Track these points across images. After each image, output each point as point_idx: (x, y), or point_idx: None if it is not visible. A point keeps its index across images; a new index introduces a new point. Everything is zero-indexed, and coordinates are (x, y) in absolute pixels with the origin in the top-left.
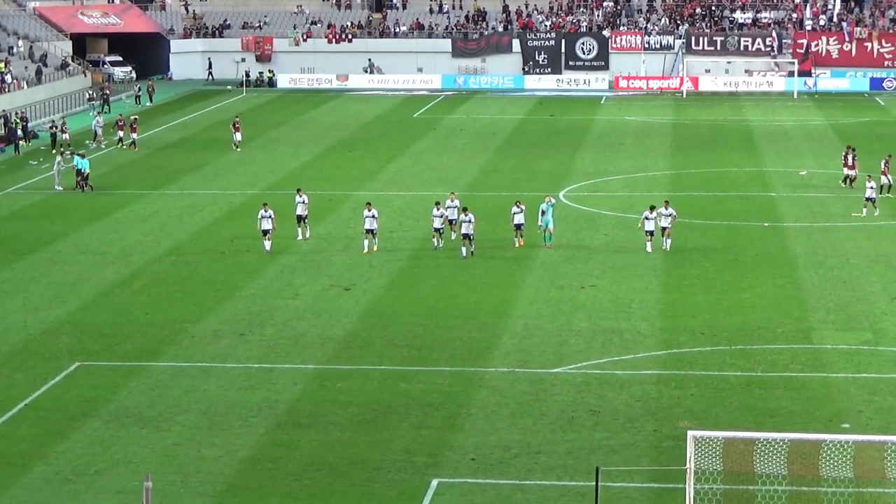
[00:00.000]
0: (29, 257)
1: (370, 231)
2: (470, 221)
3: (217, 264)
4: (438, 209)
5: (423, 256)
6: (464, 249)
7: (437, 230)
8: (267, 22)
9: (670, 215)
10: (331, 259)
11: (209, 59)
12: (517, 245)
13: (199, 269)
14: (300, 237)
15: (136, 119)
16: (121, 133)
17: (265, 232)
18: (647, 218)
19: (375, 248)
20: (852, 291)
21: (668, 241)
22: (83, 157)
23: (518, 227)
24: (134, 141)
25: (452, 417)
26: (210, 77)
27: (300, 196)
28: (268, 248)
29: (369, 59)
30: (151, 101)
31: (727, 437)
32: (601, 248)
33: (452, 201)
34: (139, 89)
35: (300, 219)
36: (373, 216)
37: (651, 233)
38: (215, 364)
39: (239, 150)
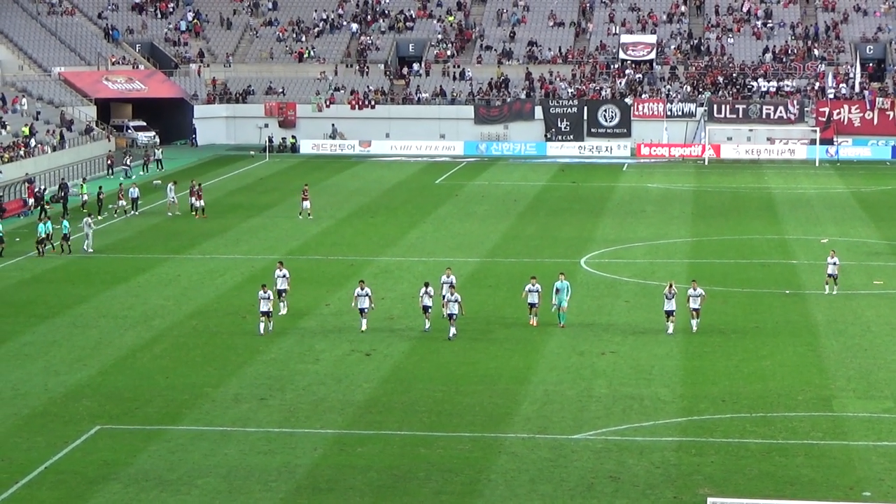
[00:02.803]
0: (50, 321)
1: (362, 311)
2: (457, 301)
3: (238, 328)
4: (428, 288)
5: (444, 322)
6: (450, 331)
7: (425, 308)
8: (283, 92)
9: (700, 296)
10: (352, 324)
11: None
12: (532, 323)
13: (220, 334)
14: (282, 311)
15: (200, 185)
16: (123, 202)
17: (280, 292)
18: (667, 297)
19: (363, 327)
20: (873, 359)
21: (697, 321)
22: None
23: (532, 305)
24: (202, 208)
25: (472, 483)
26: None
27: (280, 270)
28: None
29: (333, 125)
30: (161, 166)
31: None
32: (622, 315)
33: (448, 276)
34: (161, 153)
35: (280, 293)
36: (366, 295)
37: (671, 313)
38: (235, 428)
39: (310, 217)
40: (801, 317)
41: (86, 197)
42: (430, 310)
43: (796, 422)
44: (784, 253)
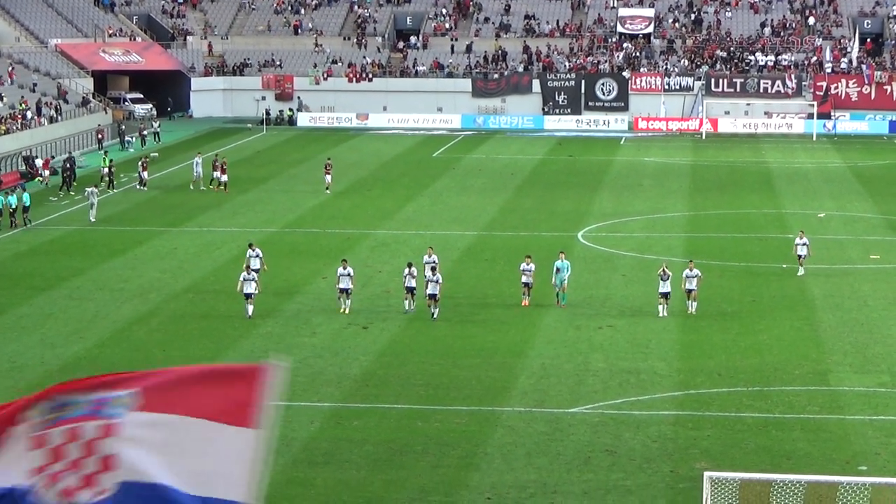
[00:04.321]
0: (47, 293)
1: (345, 290)
2: (437, 282)
3: (235, 302)
4: (411, 269)
5: (441, 295)
6: (432, 310)
7: (409, 290)
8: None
9: (696, 276)
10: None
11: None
12: (524, 304)
13: (217, 307)
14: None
15: (225, 161)
16: (144, 173)
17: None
18: (661, 278)
19: (347, 310)
20: (870, 334)
21: (695, 303)
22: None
23: (526, 285)
24: (226, 183)
25: (469, 457)
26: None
27: (253, 250)
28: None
29: (298, 97)
30: (144, 143)
31: (744, 479)
32: (619, 289)
33: (430, 256)
34: (159, 125)
35: (254, 272)
36: (348, 274)
37: (666, 295)
38: None
39: (328, 192)
40: (797, 291)
41: (105, 169)
42: (413, 291)
43: (793, 396)
44: (781, 227)
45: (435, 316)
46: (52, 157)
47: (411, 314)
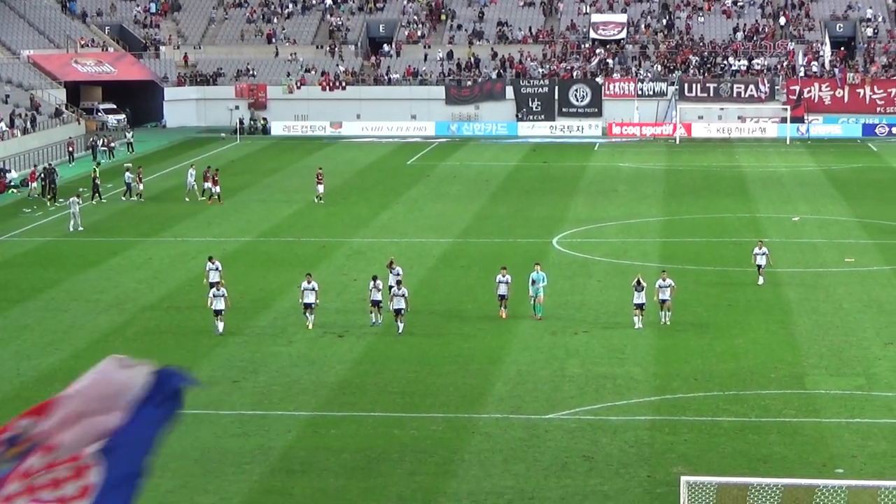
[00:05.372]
0: (22, 304)
1: (308, 306)
2: (404, 296)
3: (210, 311)
4: (376, 282)
5: (417, 302)
6: (398, 325)
7: (374, 303)
8: (253, 73)
9: (669, 286)
10: (324, 306)
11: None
12: (502, 316)
13: (193, 317)
14: (210, 305)
15: (217, 171)
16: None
17: (212, 285)
18: (635, 289)
19: (311, 325)
20: (845, 336)
21: (668, 314)
22: None
23: (502, 297)
24: (219, 194)
25: (446, 464)
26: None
27: (213, 263)
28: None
29: (236, 106)
30: (112, 156)
31: (721, 483)
32: (594, 294)
33: (393, 268)
34: (132, 136)
35: (213, 285)
36: (312, 289)
37: (641, 306)
38: (209, 411)
39: (322, 201)
40: (772, 295)
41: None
42: (379, 304)
43: (769, 399)
44: (756, 231)
45: (400, 331)
46: (36, 167)
47: (378, 327)
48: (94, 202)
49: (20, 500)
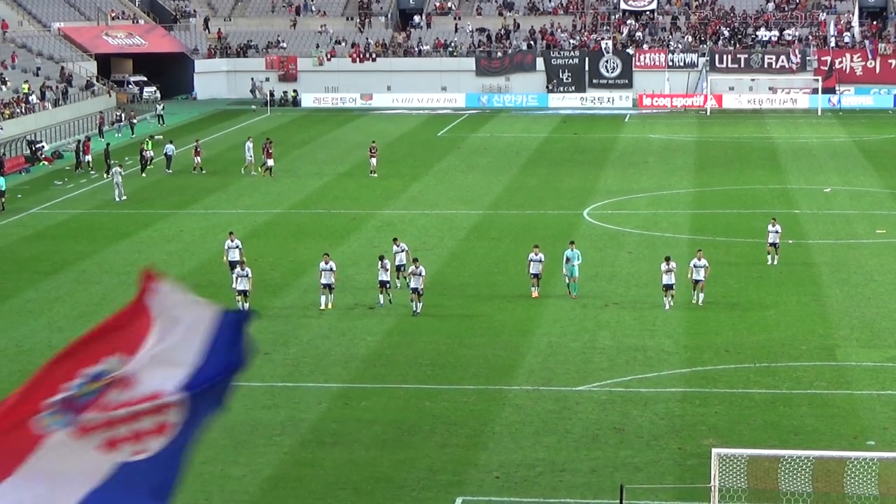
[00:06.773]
0: (54, 277)
1: (327, 286)
2: (421, 275)
3: (233, 293)
4: (384, 261)
5: (447, 275)
6: (414, 305)
7: (382, 284)
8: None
9: (704, 267)
10: (355, 277)
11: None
12: (534, 295)
13: (223, 289)
14: (234, 285)
15: (270, 142)
16: (198, 158)
17: (232, 264)
18: (665, 271)
19: (331, 305)
20: (877, 308)
21: (702, 295)
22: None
23: (535, 276)
24: (271, 168)
25: (476, 436)
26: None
27: (232, 240)
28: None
29: (252, 79)
30: (133, 132)
31: (752, 455)
32: (625, 266)
33: (398, 245)
34: (163, 108)
35: (233, 265)
36: (331, 269)
37: (669, 287)
38: (239, 383)
39: (375, 174)
40: (804, 266)
41: (150, 153)
42: (387, 285)
43: (800, 371)
44: (787, 202)
45: (418, 311)
46: (88, 139)
47: (381, 308)
48: (143, 174)
49: (97, 431)
